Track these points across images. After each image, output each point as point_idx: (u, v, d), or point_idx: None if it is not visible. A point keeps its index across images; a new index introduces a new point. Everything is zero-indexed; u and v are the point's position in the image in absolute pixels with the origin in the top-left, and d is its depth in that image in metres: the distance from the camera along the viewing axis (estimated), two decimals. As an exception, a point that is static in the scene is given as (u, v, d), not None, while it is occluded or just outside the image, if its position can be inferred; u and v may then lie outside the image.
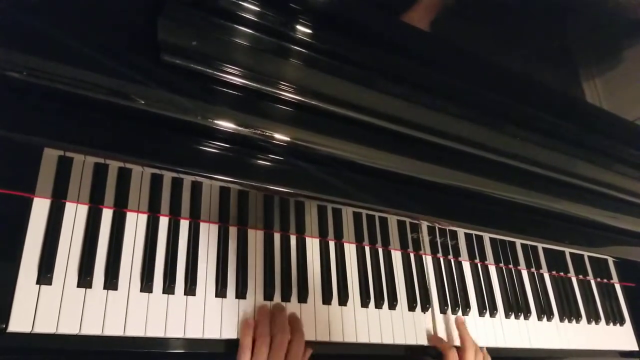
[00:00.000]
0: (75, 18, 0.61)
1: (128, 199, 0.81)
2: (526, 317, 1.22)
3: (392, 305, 1.02)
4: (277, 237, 0.95)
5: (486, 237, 1.19)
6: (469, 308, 1.13)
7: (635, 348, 1.40)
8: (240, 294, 0.86)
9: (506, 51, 0.87)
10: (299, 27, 0.72)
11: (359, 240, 1.04)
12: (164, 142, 0.68)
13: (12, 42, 0.57)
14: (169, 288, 0.81)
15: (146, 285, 0.79)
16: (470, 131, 0.89)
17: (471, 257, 1.19)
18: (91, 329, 0.73)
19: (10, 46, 0.57)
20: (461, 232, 1.15)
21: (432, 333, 1.05)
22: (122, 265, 0.79)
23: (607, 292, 1.43)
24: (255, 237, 0.92)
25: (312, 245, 0.98)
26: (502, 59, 0.87)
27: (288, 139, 0.73)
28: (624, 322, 1.41)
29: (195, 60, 0.65)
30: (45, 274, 0.72)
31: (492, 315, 1.16)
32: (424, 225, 1.07)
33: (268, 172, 0.75)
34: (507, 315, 1.18)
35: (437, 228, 1.10)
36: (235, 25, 0.69)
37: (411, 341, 1.02)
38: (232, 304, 0.85)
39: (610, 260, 1.44)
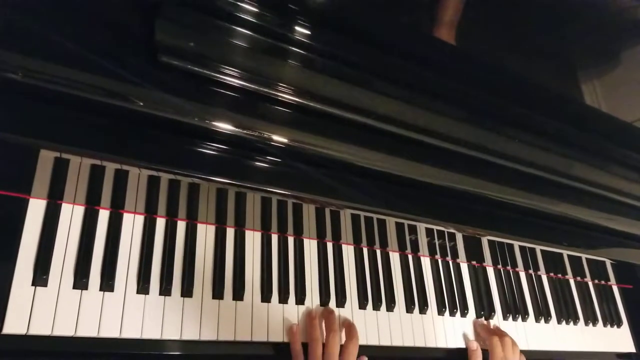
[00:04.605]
0: (72, 19, 0.60)
1: (125, 200, 0.81)
2: (524, 319, 1.22)
3: (390, 307, 1.02)
4: (274, 238, 0.95)
5: (484, 239, 1.19)
6: (467, 310, 1.12)
7: (633, 350, 1.40)
8: (237, 295, 0.86)
9: (505, 53, 0.87)
10: (297, 28, 0.72)
11: (357, 242, 1.04)
12: (161, 144, 0.67)
13: (7, 43, 0.56)
14: (165, 290, 0.80)
15: (143, 286, 0.79)
16: (468, 133, 0.88)
17: (469, 259, 1.19)
18: (87, 330, 0.73)
19: (6, 47, 0.56)
20: (459, 234, 1.15)
21: (430, 335, 1.05)
22: (119, 266, 0.78)
23: (605, 294, 1.43)
24: (253, 239, 0.92)
25: (310, 247, 0.98)
26: (501, 60, 0.87)
27: (286, 140, 0.73)
28: (622, 324, 1.41)
29: (193, 62, 0.65)
30: (40, 276, 0.72)
31: (490, 317, 1.16)
32: (422, 227, 1.06)
33: (266, 174, 0.74)
34: (504, 317, 1.18)
35: (435, 230, 1.10)
36: (233, 26, 0.68)
37: (409, 343, 1.01)
38: (229, 306, 0.85)
39: (608, 262, 1.44)
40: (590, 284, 1.42)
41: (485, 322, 1.15)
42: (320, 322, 0.92)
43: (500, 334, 1.09)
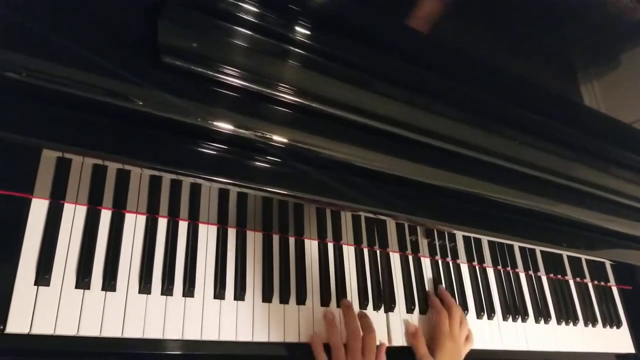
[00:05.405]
0: (76, 19, 0.61)
1: (127, 200, 0.81)
2: (524, 320, 1.22)
3: (390, 308, 1.02)
4: (275, 239, 0.95)
5: (484, 239, 1.19)
6: (467, 310, 1.13)
7: (632, 351, 1.40)
8: (239, 295, 0.86)
9: (505, 54, 0.87)
10: (298, 28, 0.72)
11: (357, 243, 1.04)
12: (163, 144, 0.68)
13: (11, 43, 0.57)
14: (167, 290, 0.80)
15: (144, 286, 0.79)
16: (468, 134, 0.89)
17: (469, 260, 1.20)
18: (89, 330, 0.73)
19: (10, 47, 0.56)
20: (459, 235, 1.16)
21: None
22: (121, 266, 0.79)
23: (604, 295, 1.44)
24: (254, 239, 0.92)
25: (311, 247, 0.98)
26: (501, 61, 0.88)
27: (287, 141, 0.73)
28: (621, 325, 1.42)
29: (196, 62, 0.65)
30: (43, 275, 0.72)
31: (490, 317, 1.16)
32: (422, 227, 1.07)
33: (267, 174, 0.75)
34: (504, 318, 1.19)
35: (435, 230, 1.10)
36: (236, 27, 0.69)
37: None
38: (230, 306, 0.85)
39: (608, 263, 1.45)
40: (589, 284, 1.42)
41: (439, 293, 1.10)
42: (344, 321, 0.93)
43: (450, 307, 1.06)
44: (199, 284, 0.84)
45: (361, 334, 0.92)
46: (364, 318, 0.95)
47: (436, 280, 1.12)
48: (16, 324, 0.69)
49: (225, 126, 0.68)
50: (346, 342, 0.90)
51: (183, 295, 0.82)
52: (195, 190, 0.88)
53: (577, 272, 1.40)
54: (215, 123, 0.68)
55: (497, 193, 0.95)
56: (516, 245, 1.25)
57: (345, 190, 0.80)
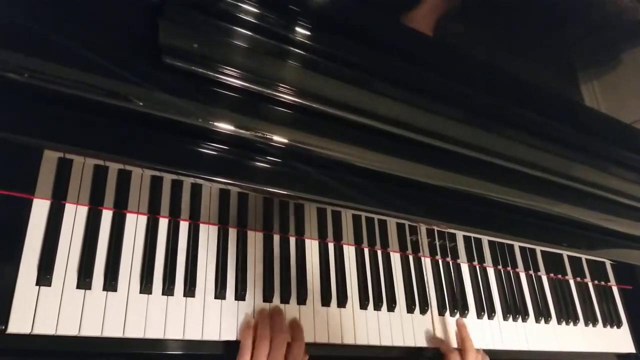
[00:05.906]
0: (76, 19, 0.61)
1: (128, 201, 0.82)
2: (524, 319, 1.22)
3: (391, 307, 1.02)
4: (276, 238, 0.95)
5: (484, 239, 1.19)
6: (467, 310, 1.13)
7: (633, 350, 1.40)
8: (240, 295, 0.87)
9: (505, 54, 0.87)
10: (298, 29, 0.73)
11: (358, 242, 1.04)
12: (164, 144, 0.68)
13: (12, 43, 0.57)
14: (168, 290, 0.81)
15: (145, 286, 0.79)
16: (469, 134, 0.89)
17: (470, 260, 1.20)
18: (90, 330, 0.73)
19: (11, 47, 0.57)
20: (460, 235, 1.16)
21: (431, 335, 1.05)
22: (122, 266, 0.79)
23: (605, 295, 1.44)
24: (255, 239, 0.92)
25: (312, 247, 0.98)
26: (501, 61, 0.88)
27: (287, 141, 0.73)
28: (621, 325, 1.42)
29: (196, 63, 0.65)
30: (44, 275, 0.72)
31: (490, 317, 1.16)
32: (423, 227, 1.07)
33: (267, 174, 0.75)
34: (505, 317, 1.19)
35: (435, 230, 1.10)
36: (236, 28, 0.69)
37: (409, 343, 1.02)
38: (231, 306, 0.85)
39: (608, 263, 1.45)
40: (590, 284, 1.42)
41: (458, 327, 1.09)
42: (269, 321, 0.87)
43: (464, 339, 1.05)
44: (199, 284, 0.84)
45: (288, 336, 0.86)
46: (296, 326, 0.90)
47: (437, 279, 1.12)
48: (18, 324, 0.69)
49: (225, 126, 0.68)
50: (271, 341, 0.84)
51: (184, 295, 0.82)
52: (196, 190, 0.88)
53: (578, 271, 1.40)
54: (215, 123, 0.68)
55: (498, 193, 0.95)
56: (516, 245, 1.25)
57: (345, 190, 0.80)
